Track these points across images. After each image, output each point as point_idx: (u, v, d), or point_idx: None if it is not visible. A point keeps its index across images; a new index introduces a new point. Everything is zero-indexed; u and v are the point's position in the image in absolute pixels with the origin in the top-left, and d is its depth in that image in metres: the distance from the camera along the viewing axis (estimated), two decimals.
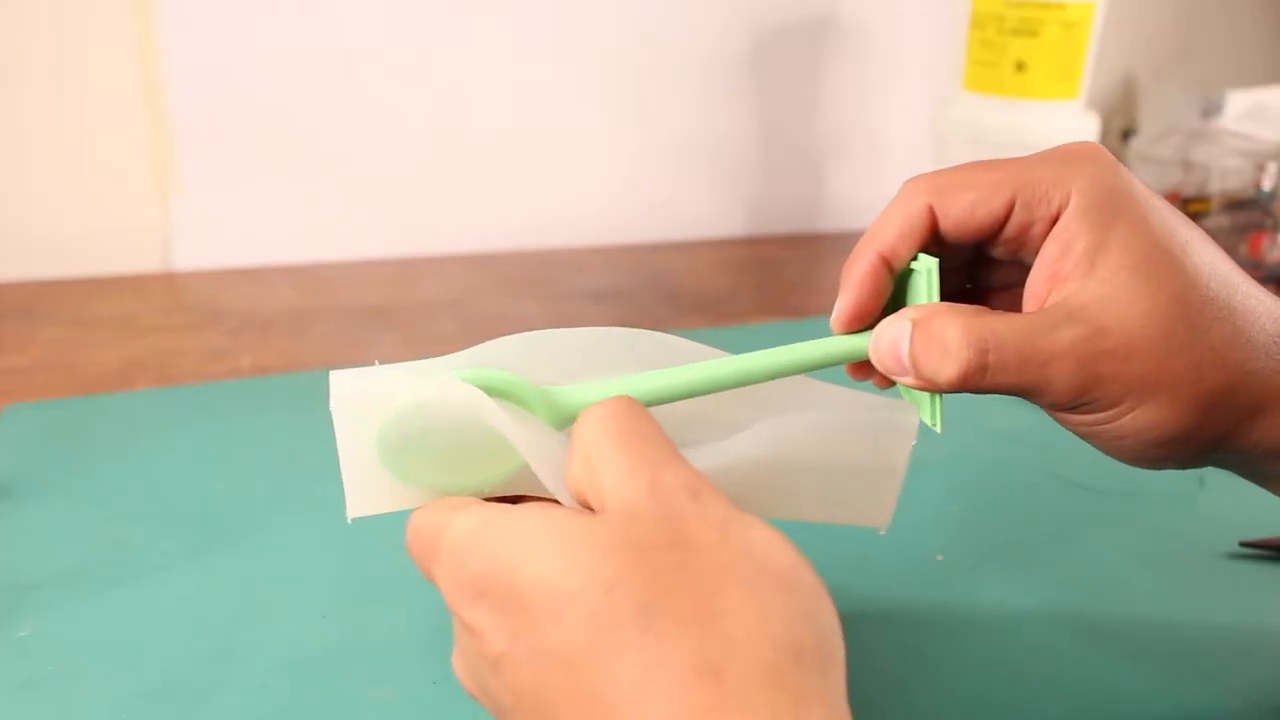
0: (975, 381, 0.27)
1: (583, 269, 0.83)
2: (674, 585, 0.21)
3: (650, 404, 0.29)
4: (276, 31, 0.77)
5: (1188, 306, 0.27)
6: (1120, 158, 1.07)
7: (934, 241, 0.30)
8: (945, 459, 0.51)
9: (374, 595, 0.39)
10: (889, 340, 0.29)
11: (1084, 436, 0.29)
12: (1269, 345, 0.28)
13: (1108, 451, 0.29)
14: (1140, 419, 0.27)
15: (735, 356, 0.30)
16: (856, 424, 0.32)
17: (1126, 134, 1.11)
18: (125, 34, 0.73)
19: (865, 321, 0.31)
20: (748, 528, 0.23)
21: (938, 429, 0.30)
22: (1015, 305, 0.30)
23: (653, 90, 0.91)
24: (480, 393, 0.27)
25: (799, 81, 0.96)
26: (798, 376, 0.31)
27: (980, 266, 0.33)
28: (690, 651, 0.20)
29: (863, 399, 0.32)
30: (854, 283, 0.30)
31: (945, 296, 0.30)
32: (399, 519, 0.44)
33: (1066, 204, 0.28)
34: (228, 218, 0.80)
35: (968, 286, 0.33)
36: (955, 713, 0.34)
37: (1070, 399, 0.27)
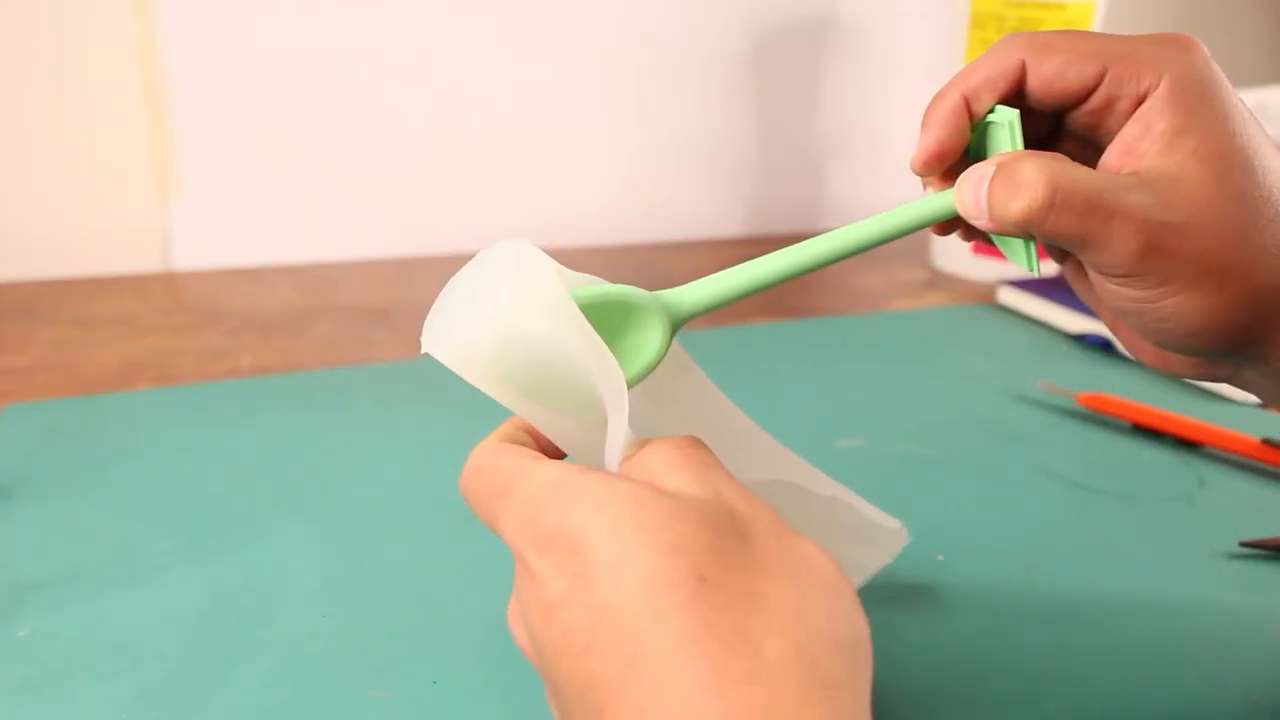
0: (1040, 219, 0.28)
1: (583, 269, 0.83)
2: (731, 564, 0.23)
3: (757, 290, 0.30)
4: (276, 31, 0.77)
5: (1252, 204, 0.27)
6: None
7: (1018, 100, 0.30)
8: (945, 459, 0.51)
9: (374, 595, 0.39)
10: (972, 182, 0.29)
11: (1126, 315, 0.30)
12: None
13: (1144, 335, 0.30)
14: (1186, 303, 0.28)
15: (828, 234, 0.30)
16: (851, 515, 0.34)
17: None
18: (125, 34, 0.73)
19: (945, 161, 0.31)
20: (797, 537, 0.25)
21: (1036, 273, 0.31)
22: None
23: (653, 90, 0.91)
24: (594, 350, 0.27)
25: (799, 81, 0.96)
26: (813, 470, 0.34)
27: (1052, 146, 0.33)
28: (736, 623, 0.22)
29: (864, 505, 0.35)
30: (936, 121, 0.31)
31: None
32: (398, 525, 0.44)
33: (1156, 86, 0.28)
34: (228, 218, 0.80)
35: None
36: (955, 712, 0.34)
37: (1125, 263, 0.28)
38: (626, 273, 0.83)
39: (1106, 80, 0.29)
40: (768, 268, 0.30)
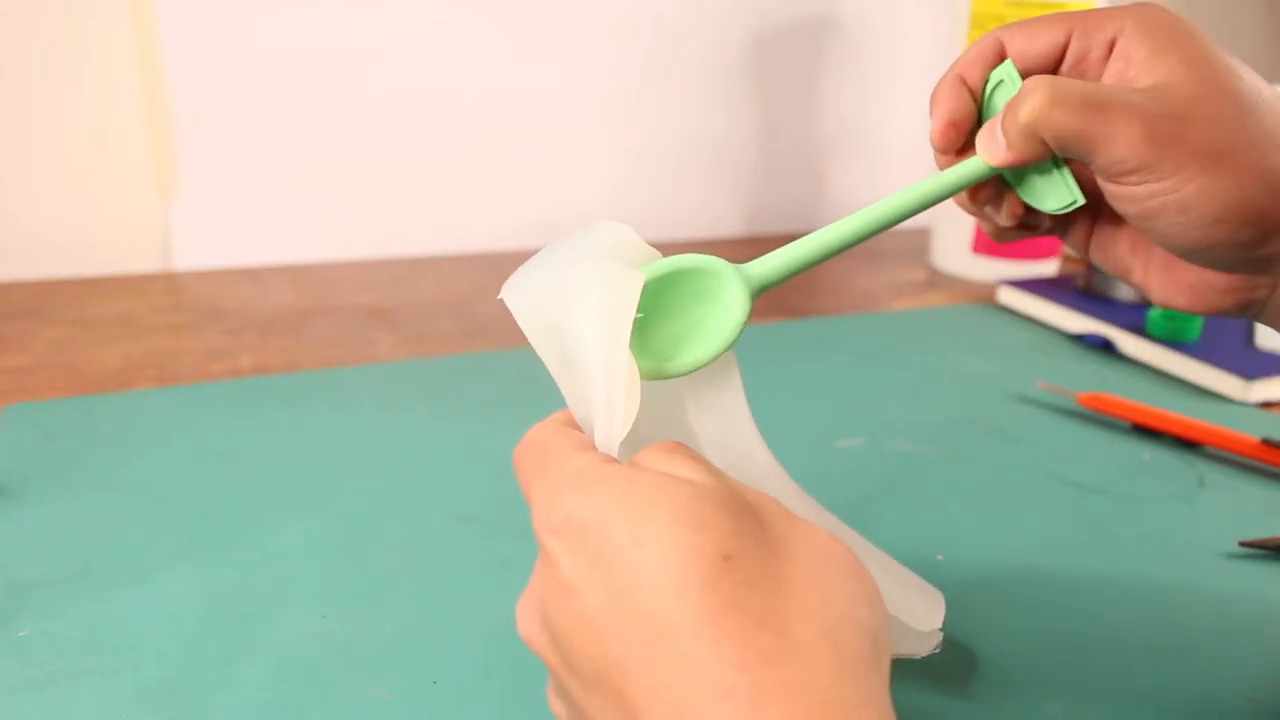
0: (1045, 118, 0.29)
1: None
2: (754, 545, 0.23)
3: (825, 257, 0.32)
4: (276, 32, 0.77)
5: (1244, 96, 0.29)
6: None
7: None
8: (945, 459, 0.51)
9: (374, 595, 0.39)
10: (987, 127, 0.32)
11: (1145, 215, 0.30)
12: None
13: (1168, 234, 0.30)
14: (1205, 189, 0.28)
15: (873, 206, 0.33)
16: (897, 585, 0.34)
17: None
18: (125, 34, 0.73)
19: (960, 131, 0.34)
20: (811, 525, 0.25)
21: (1080, 200, 0.32)
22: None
23: (653, 90, 0.91)
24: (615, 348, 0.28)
25: (799, 81, 0.96)
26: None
27: None
28: (763, 602, 0.21)
29: (911, 578, 0.35)
30: (940, 98, 0.34)
31: None
32: (398, 525, 0.44)
33: (1123, 28, 0.31)
34: (228, 218, 0.80)
35: None
36: (955, 712, 0.34)
37: (1132, 153, 0.28)
38: None
39: (1075, 35, 0.31)
40: (833, 234, 0.32)
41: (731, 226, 0.98)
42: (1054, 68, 0.32)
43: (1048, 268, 0.85)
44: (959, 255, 0.85)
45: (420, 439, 0.52)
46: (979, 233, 0.83)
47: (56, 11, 0.71)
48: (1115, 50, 0.31)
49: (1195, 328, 0.66)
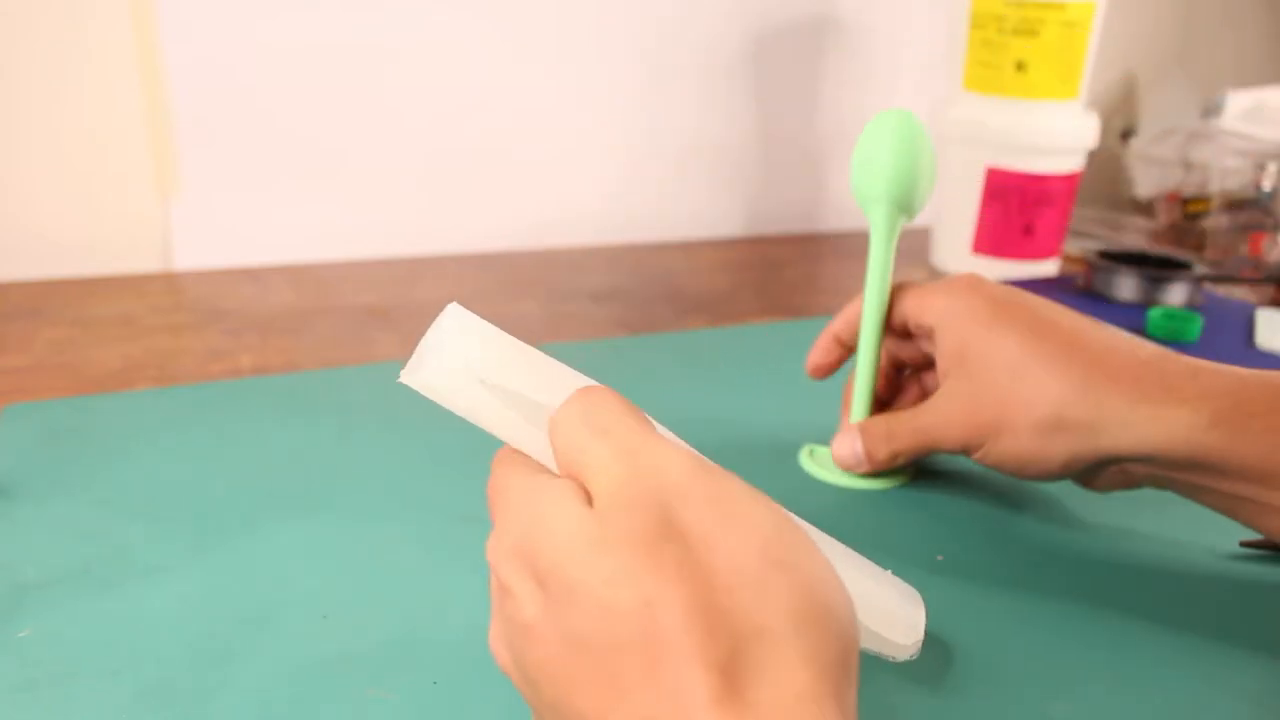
0: (901, 456, 0.46)
1: (583, 269, 0.83)
2: (675, 578, 0.22)
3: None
4: (276, 32, 0.77)
5: (995, 387, 0.41)
6: (1120, 158, 1.07)
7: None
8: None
9: (374, 595, 0.39)
10: (848, 444, 0.47)
11: (991, 466, 0.43)
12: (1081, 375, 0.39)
13: (1007, 473, 0.43)
14: (997, 451, 0.42)
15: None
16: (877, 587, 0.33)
17: (1126, 134, 1.11)
18: (125, 34, 0.73)
19: (828, 372, 0.51)
20: (735, 503, 0.23)
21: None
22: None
23: (653, 90, 0.91)
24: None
25: (799, 81, 0.96)
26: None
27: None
28: (696, 644, 0.21)
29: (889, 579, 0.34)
30: (818, 350, 0.51)
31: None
32: (398, 525, 0.44)
33: (935, 328, 0.44)
34: (228, 218, 0.80)
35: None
36: (955, 712, 0.34)
37: (960, 447, 0.43)
38: (626, 273, 0.83)
39: (908, 322, 0.47)
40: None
41: (731, 226, 0.98)
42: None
43: (1048, 267, 0.85)
44: (960, 255, 0.85)
45: (421, 439, 0.52)
46: (980, 232, 0.83)
47: (56, 11, 0.71)
48: (935, 346, 0.44)
49: (1195, 328, 0.66)
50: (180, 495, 0.45)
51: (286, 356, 0.63)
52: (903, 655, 0.31)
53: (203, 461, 0.48)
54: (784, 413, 0.56)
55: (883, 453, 0.45)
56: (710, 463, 0.25)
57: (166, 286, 0.76)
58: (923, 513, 0.46)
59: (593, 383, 0.28)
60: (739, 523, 0.23)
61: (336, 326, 0.68)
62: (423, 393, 0.29)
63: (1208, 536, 0.45)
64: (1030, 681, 0.35)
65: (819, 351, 0.49)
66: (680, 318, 0.73)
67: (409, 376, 0.30)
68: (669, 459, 0.24)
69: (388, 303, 0.73)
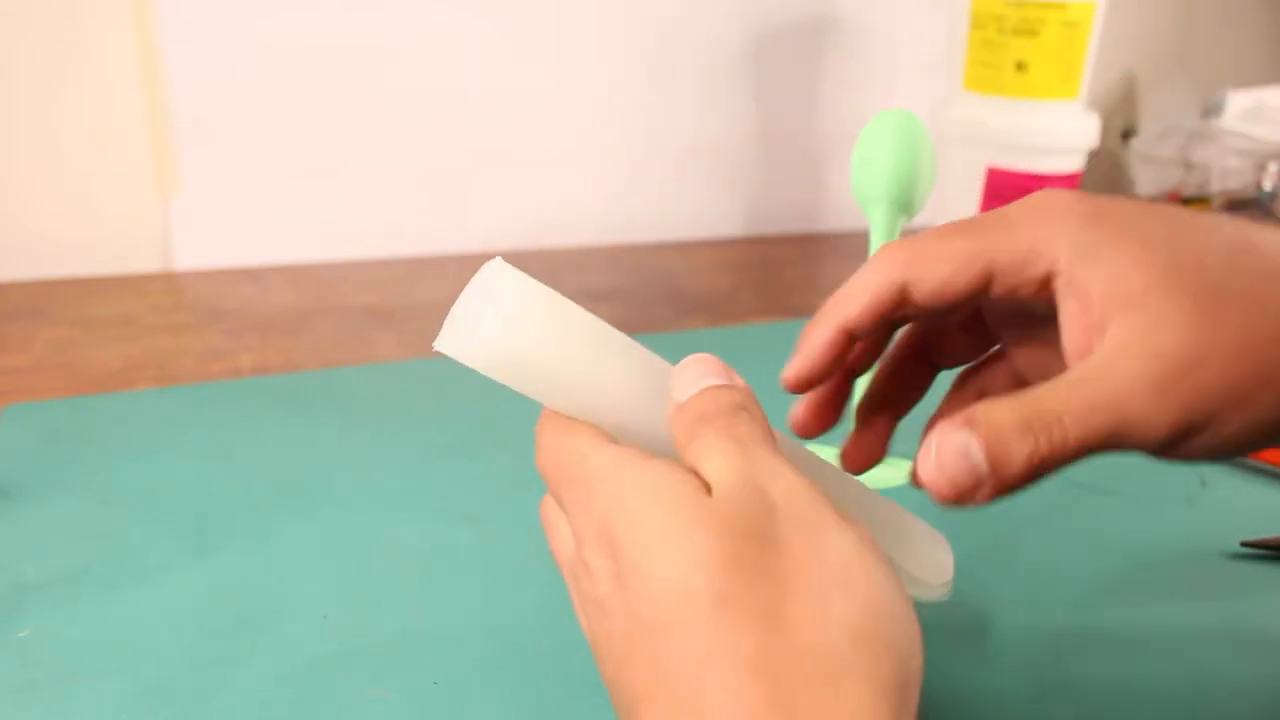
0: (1056, 458, 0.25)
1: (583, 269, 0.83)
2: (752, 580, 0.22)
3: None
4: (276, 31, 0.77)
5: (1226, 300, 0.25)
6: (1120, 158, 1.06)
7: (913, 308, 0.29)
8: None
9: (374, 595, 0.39)
10: (954, 453, 0.25)
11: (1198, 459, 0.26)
12: None
13: (1217, 461, 0.27)
14: (1236, 425, 0.24)
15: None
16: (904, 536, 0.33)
17: (1126, 134, 1.10)
18: (125, 34, 0.73)
19: (814, 386, 0.32)
20: (830, 533, 0.23)
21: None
22: (1045, 356, 0.29)
23: (653, 90, 0.91)
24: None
25: (799, 81, 0.96)
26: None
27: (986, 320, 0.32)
28: (753, 647, 0.21)
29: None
30: (811, 350, 0.31)
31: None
32: (398, 525, 0.44)
33: (1057, 266, 0.26)
34: (228, 218, 0.80)
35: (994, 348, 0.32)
36: (955, 712, 0.34)
37: (1169, 431, 0.24)
38: (626, 273, 0.83)
39: (996, 275, 0.27)
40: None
41: (731, 226, 0.98)
42: (978, 297, 0.28)
43: None
44: None
45: (421, 439, 0.51)
46: None
47: (56, 11, 0.71)
48: (1058, 289, 0.26)
49: None
50: (180, 495, 0.45)
51: (286, 356, 0.63)
52: (932, 596, 0.31)
53: (203, 461, 0.48)
54: (784, 413, 0.56)
55: (1019, 456, 0.24)
56: (818, 485, 0.25)
57: (166, 286, 0.76)
58: (921, 512, 0.46)
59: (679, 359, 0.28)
60: (823, 543, 0.23)
61: (336, 326, 0.68)
62: (513, 340, 0.27)
63: (1209, 536, 0.45)
64: (1028, 680, 0.35)
65: (818, 353, 0.32)
66: (680, 318, 0.73)
67: (501, 327, 0.28)
68: (785, 471, 0.25)
69: (388, 303, 0.73)
